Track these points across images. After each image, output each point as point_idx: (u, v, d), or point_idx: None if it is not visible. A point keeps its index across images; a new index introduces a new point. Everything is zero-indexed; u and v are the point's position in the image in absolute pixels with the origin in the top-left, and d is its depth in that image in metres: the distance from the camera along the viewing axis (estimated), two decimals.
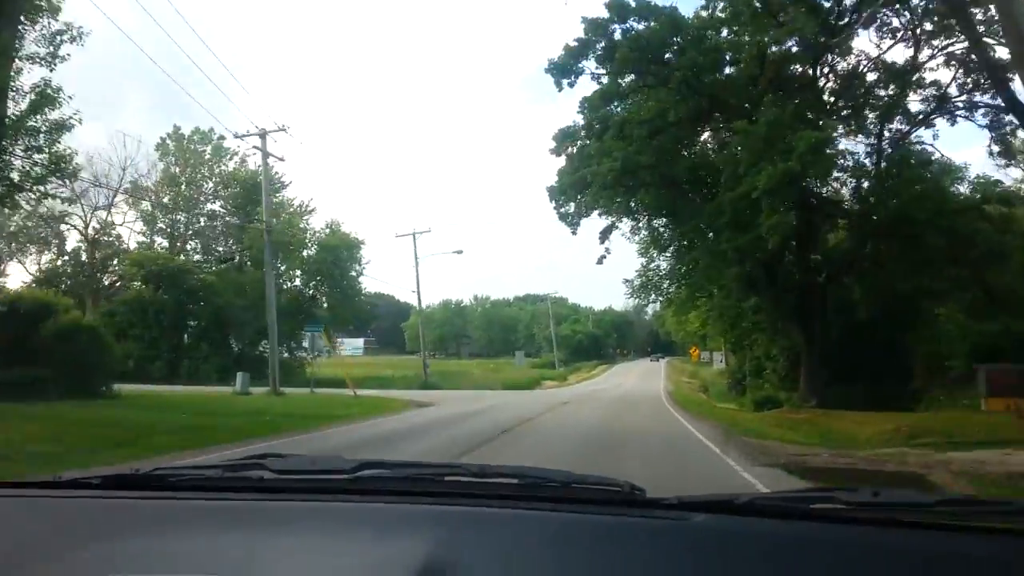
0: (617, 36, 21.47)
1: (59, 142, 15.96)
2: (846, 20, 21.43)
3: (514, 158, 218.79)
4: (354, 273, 47.25)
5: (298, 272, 46.15)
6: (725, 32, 23.03)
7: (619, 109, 23.40)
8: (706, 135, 25.48)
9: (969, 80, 22.60)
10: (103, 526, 1.40)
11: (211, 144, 46.47)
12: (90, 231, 43.29)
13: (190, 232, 47.71)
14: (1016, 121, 20.03)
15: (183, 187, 46.44)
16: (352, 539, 1.31)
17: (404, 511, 1.42)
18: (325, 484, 1.57)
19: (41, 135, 15.67)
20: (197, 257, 46.53)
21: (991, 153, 23.46)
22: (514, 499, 1.44)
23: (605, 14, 21.50)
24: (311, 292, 46.05)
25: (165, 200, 46.17)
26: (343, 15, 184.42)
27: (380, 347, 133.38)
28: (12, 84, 15.05)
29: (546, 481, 1.52)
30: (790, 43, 21.56)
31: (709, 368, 63.75)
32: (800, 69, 23.06)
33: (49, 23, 15.79)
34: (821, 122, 21.02)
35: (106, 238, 44.64)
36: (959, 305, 23.64)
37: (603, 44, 21.59)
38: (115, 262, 44.25)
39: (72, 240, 43.83)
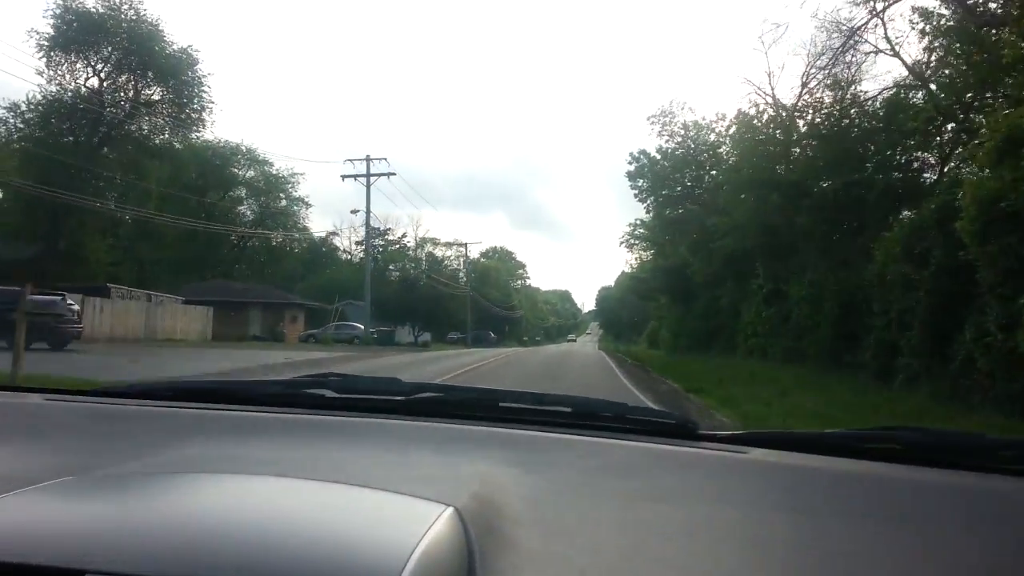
0: None
1: None
2: None
3: None
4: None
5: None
6: None
7: None
8: None
9: None
10: (173, 433, 1.43)
11: None
12: None
13: None
14: None
15: None
16: (410, 453, 1.33)
17: (460, 431, 1.45)
18: (383, 404, 1.59)
19: None
20: None
21: None
22: (569, 427, 1.46)
23: None
24: None
25: None
26: None
27: None
28: None
29: (601, 410, 1.54)
30: None
31: None
32: None
33: None
34: None
35: None
36: None
37: None
38: None
39: None
